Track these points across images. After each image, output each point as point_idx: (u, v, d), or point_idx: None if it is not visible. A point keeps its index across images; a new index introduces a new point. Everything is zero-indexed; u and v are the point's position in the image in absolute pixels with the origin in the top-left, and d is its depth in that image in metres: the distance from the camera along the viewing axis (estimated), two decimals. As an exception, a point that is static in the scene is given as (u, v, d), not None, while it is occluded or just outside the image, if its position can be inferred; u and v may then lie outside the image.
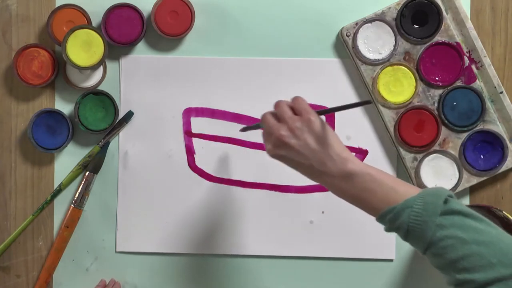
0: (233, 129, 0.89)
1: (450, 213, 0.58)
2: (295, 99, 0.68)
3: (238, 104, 0.90)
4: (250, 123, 0.88)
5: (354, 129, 0.89)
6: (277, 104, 0.69)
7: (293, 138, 0.66)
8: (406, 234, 0.60)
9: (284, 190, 0.90)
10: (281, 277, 0.90)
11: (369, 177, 0.63)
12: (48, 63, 0.88)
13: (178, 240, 0.90)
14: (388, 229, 0.62)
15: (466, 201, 0.90)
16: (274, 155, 0.68)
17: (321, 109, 0.68)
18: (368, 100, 0.64)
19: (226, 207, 0.90)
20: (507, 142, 0.88)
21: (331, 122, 0.89)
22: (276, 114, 0.68)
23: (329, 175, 0.65)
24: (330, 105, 0.89)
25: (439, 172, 0.88)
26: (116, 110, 0.88)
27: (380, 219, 0.63)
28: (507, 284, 0.54)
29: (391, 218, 0.61)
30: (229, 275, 0.90)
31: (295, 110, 0.68)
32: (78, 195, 0.89)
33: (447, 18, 0.88)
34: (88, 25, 0.87)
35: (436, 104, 0.88)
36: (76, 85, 0.89)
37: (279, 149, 0.67)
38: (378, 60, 0.87)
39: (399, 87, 0.88)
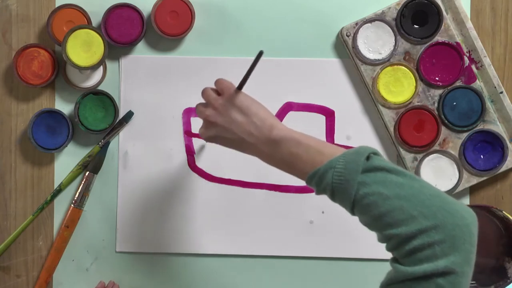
0: (233, 129, 0.89)
1: (372, 170, 0.57)
2: (216, 81, 0.71)
3: (238, 104, 0.90)
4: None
5: (354, 129, 0.89)
6: (202, 91, 0.72)
7: (218, 116, 0.69)
8: (332, 194, 0.60)
9: (284, 190, 0.90)
10: (281, 277, 0.90)
11: (294, 142, 0.64)
12: (48, 63, 0.88)
13: (178, 240, 0.90)
14: (317, 192, 0.62)
15: (466, 201, 0.90)
16: (206, 138, 0.71)
17: (239, 83, 0.69)
18: (261, 51, 0.65)
19: (226, 207, 0.90)
20: (507, 142, 0.88)
21: (331, 122, 0.89)
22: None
23: (258, 144, 0.66)
24: (330, 105, 0.89)
25: (439, 172, 0.88)
26: (116, 110, 0.88)
27: (308, 182, 0.63)
28: (429, 235, 0.53)
29: (317, 181, 0.61)
30: (229, 275, 0.90)
31: (218, 91, 0.71)
32: (78, 195, 0.89)
33: (447, 18, 0.88)
34: (88, 25, 0.87)
35: (436, 104, 0.88)
36: (76, 85, 0.89)
37: (208, 130, 0.70)
38: (378, 60, 0.87)
39: (399, 87, 0.88)
